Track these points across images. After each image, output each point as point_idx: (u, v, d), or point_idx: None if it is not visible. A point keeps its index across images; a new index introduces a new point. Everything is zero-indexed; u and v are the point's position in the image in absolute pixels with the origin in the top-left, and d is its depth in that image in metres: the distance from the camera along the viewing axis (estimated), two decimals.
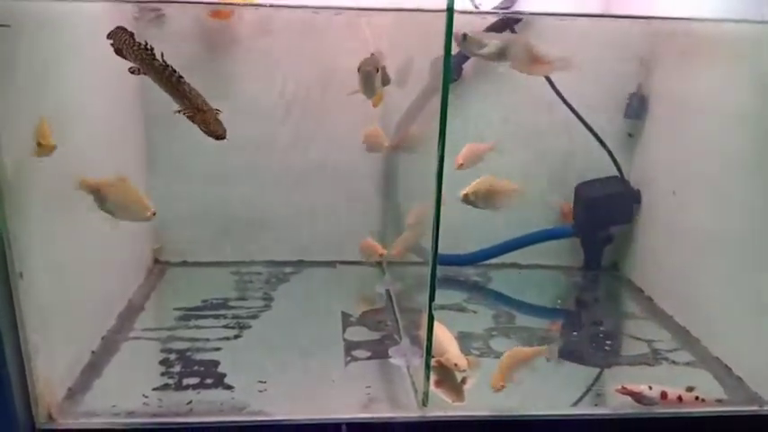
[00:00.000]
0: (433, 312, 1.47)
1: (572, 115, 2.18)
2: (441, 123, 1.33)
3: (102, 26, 1.85)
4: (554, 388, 1.68)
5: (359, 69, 1.62)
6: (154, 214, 1.45)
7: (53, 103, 1.52)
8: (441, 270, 2.00)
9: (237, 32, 2.18)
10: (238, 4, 2.05)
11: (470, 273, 2.36)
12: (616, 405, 1.56)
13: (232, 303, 2.08)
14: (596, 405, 1.61)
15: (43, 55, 1.47)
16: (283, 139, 2.25)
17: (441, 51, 2.19)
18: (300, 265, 2.40)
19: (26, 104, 1.39)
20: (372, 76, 1.62)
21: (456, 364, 1.60)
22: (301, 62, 2.18)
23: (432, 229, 1.41)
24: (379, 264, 2.32)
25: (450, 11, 1.29)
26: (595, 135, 2.20)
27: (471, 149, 1.98)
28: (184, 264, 2.38)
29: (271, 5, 1.99)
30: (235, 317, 1.98)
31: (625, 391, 1.54)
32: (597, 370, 1.79)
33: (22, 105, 1.37)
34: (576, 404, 1.62)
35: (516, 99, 2.20)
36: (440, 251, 2.13)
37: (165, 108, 2.18)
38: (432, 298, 1.44)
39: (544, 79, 2.13)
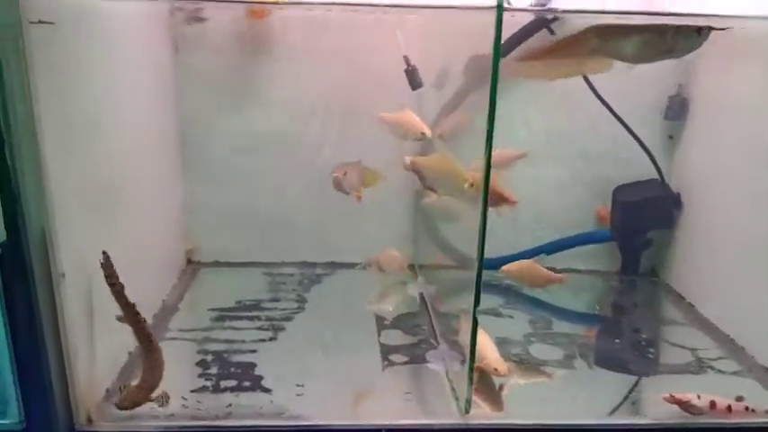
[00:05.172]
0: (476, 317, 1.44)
1: (610, 116, 2.14)
2: (488, 124, 1.30)
3: (138, 24, 1.88)
4: (598, 396, 1.64)
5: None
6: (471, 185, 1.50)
7: (93, 103, 1.51)
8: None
9: (272, 32, 2.17)
10: (273, 3, 2.04)
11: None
12: (663, 414, 1.52)
13: (265, 305, 2.07)
14: (639, 414, 1.57)
15: (83, 54, 1.46)
16: (316, 139, 2.23)
17: (475, 51, 2.19)
18: (332, 266, 2.38)
19: (68, 104, 1.38)
20: (340, 182, 1.77)
21: (496, 369, 1.57)
22: (335, 62, 2.17)
23: (478, 232, 1.38)
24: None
25: (499, 8, 1.26)
26: (635, 137, 2.15)
27: (498, 155, 1.95)
28: (217, 264, 2.37)
29: (299, 3, 1.99)
30: (268, 318, 1.97)
31: (673, 400, 1.50)
32: (640, 378, 1.74)
33: (63, 105, 1.36)
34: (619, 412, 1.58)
35: (554, 100, 2.17)
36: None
37: (200, 109, 2.20)
38: (476, 303, 1.41)
39: (583, 80, 2.09)
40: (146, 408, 1.47)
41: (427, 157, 1.69)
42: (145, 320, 1.43)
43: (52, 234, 1.30)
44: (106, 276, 1.39)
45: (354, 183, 1.87)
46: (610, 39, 1.30)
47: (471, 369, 1.46)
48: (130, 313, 1.41)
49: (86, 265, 1.43)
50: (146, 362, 1.43)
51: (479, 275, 1.40)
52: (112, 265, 1.39)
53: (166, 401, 1.44)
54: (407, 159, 1.77)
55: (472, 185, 1.47)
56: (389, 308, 2.09)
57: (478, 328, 1.53)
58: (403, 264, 2.14)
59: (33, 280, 1.28)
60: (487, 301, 2.15)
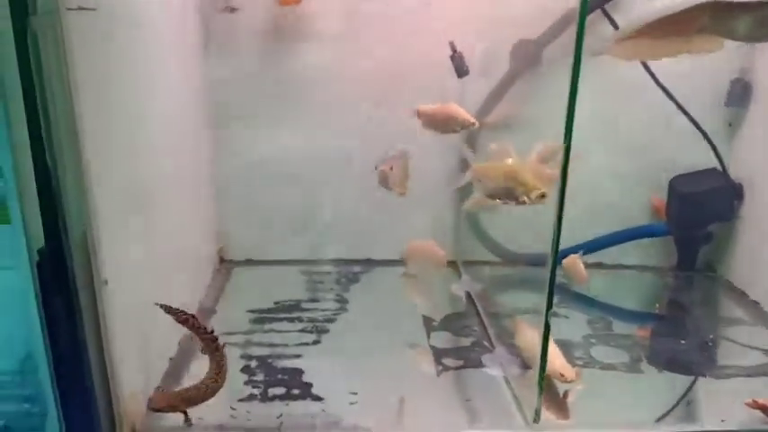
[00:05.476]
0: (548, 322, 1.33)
1: (667, 101, 2.02)
2: (568, 113, 1.19)
3: (169, 14, 1.78)
4: (672, 402, 1.54)
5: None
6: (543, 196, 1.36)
7: (131, 96, 1.42)
8: (523, 270, 1.84)
9: (308, 20, 2.07)
10: None
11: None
12: (746, 420, 1.41)
13: (305, 305, 1.98)
14: (723, 421, 1.45)
15: (120, 44, 1.36)
16: (352, 132, 2.13)
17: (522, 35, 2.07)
18: (369, 263, 2.28)
19: (107, 98, 1.28)
20: (386, 176, 1.68)
21: (562, 375, 1.47)
22: (372, 51, 2.06)
23: (553, 228, 1.27)
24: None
25: None
26: (695, 123, 2.03)
27: (548, 149, 1.83)
28: (249, 262, 2.28)
29: None
30: (310, 320, 1.88)
31: (756, 405, 1.40)
32: (712, 381, 1.63)
33: (103, 99, 1.26)
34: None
35: (607, 84, 2.03)
36: (526, 251, 1.98)
37: (232, 105, 2.11)
38: (549, 306, 1.31)
39: (639, 63, 1.97)
40: (193, 419, 1.39)
41: (491, 165, 1.55)
42: (224, 346, 1.39)
43: (94, 238, 1.20)
44: (175, 319, 1.37)
45: (400, 178, 1.77)
46: (722, 16, 1.18)
47: (542, 377, 1.35)
48: (209, 341, 1.38)
49: (129, 270, 1.35)
50: (205, 381, 1.37)
51: (553, 277, 1.29)
52: (170, 307, 1.38)
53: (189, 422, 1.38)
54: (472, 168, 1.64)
55: (544, 196, 1.35)
56: (435, 307, 1.99)
57: (535, 329, 1.43)
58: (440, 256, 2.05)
59: (75, 288, 1.18)
60: (537, 299, 2.05)
